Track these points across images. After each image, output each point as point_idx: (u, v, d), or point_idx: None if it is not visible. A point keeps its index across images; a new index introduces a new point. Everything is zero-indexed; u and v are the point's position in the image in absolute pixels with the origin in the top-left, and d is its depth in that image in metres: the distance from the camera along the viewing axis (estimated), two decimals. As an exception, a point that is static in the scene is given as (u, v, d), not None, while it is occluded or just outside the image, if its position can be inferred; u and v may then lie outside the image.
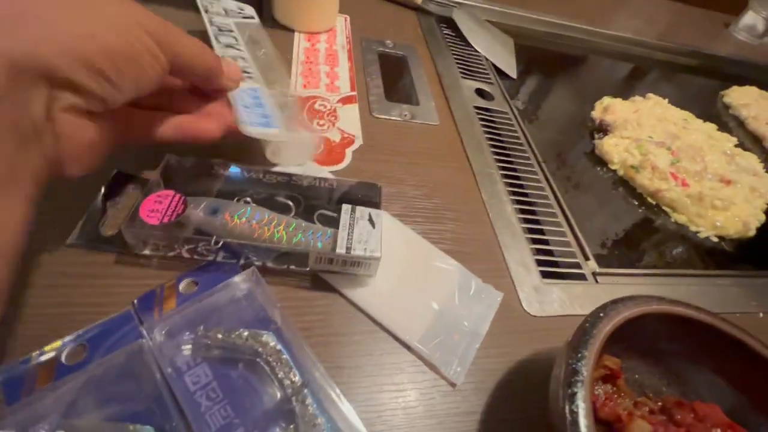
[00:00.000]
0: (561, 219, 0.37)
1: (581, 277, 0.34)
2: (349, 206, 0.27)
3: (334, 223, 0.26)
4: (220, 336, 0.21)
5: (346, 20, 0.50)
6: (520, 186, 0.39)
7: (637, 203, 0.45)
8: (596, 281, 0.33)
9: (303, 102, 0.38)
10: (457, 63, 0.51)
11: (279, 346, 0.21)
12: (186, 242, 0.24)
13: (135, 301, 0.23)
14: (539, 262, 0.33)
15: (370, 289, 0.26)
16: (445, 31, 0.56)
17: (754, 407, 0.23)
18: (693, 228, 0.43)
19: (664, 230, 0.42)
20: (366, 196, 0.28)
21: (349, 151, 0.35)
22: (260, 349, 0.21)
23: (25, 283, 0.22)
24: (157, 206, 0.24)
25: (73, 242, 0.24)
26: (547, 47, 0.67)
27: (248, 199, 0.27)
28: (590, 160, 0.48)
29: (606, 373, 0.24)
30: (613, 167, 0.47)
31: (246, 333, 0.21)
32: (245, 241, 0.25)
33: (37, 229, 0.21)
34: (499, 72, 0.54)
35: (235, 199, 0.26)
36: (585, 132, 0.52)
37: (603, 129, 0.51)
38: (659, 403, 0.24)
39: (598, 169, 0.47)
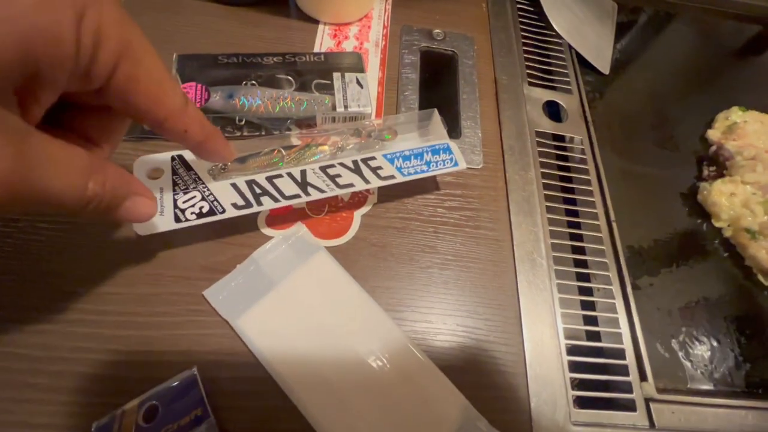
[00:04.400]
0: (621, 311, 0.29)
1: (629, 406, 0.27)
2: (339, 73, 0.31)
3: (328, 89, 0.30)
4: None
5: (387, 3, 0.39)
6: (576, 252, 0.31)
7: (739, 276, 0.34)
8: (650, 420, 0.26)
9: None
10: (527, 59, 0.39)
11: None
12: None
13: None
14: (575, 383, 0.27)
15: None
16: (519, 5, 0.43)
17: None
18: (815, 325, 0.32)
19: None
20: (351, 63, 0.32)
21: (357, 215, 0.29)
22: None
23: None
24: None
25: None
26: (672, 12, 0.50)
27: (254, 82, 0.30)
28: (687, 205, 0.37)
29: None
30: (718, 224, 0.35)
31: None
32: (264, 116, 0.29)
33: None
34: (585, 63, 0.42)
35: (243, 83, 0.30)
36: (690, 160, 0.39)
37: (717, 162, 0.38)
38: None
39: (697, 221, 0.36)
